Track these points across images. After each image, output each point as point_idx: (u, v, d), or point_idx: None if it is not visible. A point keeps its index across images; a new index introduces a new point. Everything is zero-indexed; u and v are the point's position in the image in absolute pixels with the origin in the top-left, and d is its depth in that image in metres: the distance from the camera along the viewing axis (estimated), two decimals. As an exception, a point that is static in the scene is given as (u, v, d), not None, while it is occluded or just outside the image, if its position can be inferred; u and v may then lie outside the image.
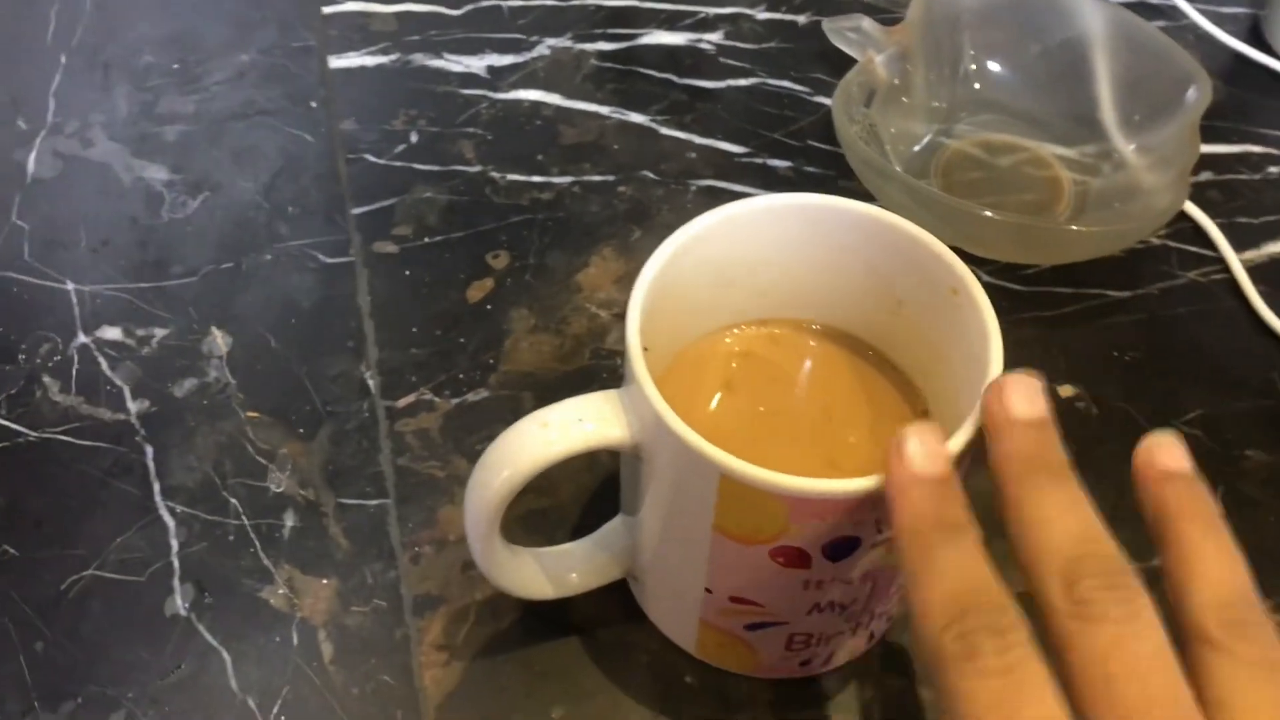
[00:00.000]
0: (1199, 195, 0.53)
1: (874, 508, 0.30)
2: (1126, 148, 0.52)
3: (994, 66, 0.54)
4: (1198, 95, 0.48)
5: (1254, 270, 0.50)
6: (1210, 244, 0.51)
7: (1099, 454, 0.45)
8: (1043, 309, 0.49)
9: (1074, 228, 0.46)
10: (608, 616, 0.40)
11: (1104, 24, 0.52)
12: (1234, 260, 0.50)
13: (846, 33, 0.51)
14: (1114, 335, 0.48)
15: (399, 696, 0.38)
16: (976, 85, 0.54)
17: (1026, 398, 0.29)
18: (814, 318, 0.40)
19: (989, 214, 0.45)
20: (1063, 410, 0.46)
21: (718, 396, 0.38)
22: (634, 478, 0.35)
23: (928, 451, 0.29)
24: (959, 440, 0.30)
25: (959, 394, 0.35)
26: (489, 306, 0.48)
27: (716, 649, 0.38)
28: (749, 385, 0.38)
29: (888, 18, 0.54)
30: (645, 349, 0.34)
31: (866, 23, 0.51)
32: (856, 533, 0.31)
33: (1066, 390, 0.46)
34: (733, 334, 0.39)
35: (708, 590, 0.35)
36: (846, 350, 0.39)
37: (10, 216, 0.50)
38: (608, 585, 0.40)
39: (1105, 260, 0.50)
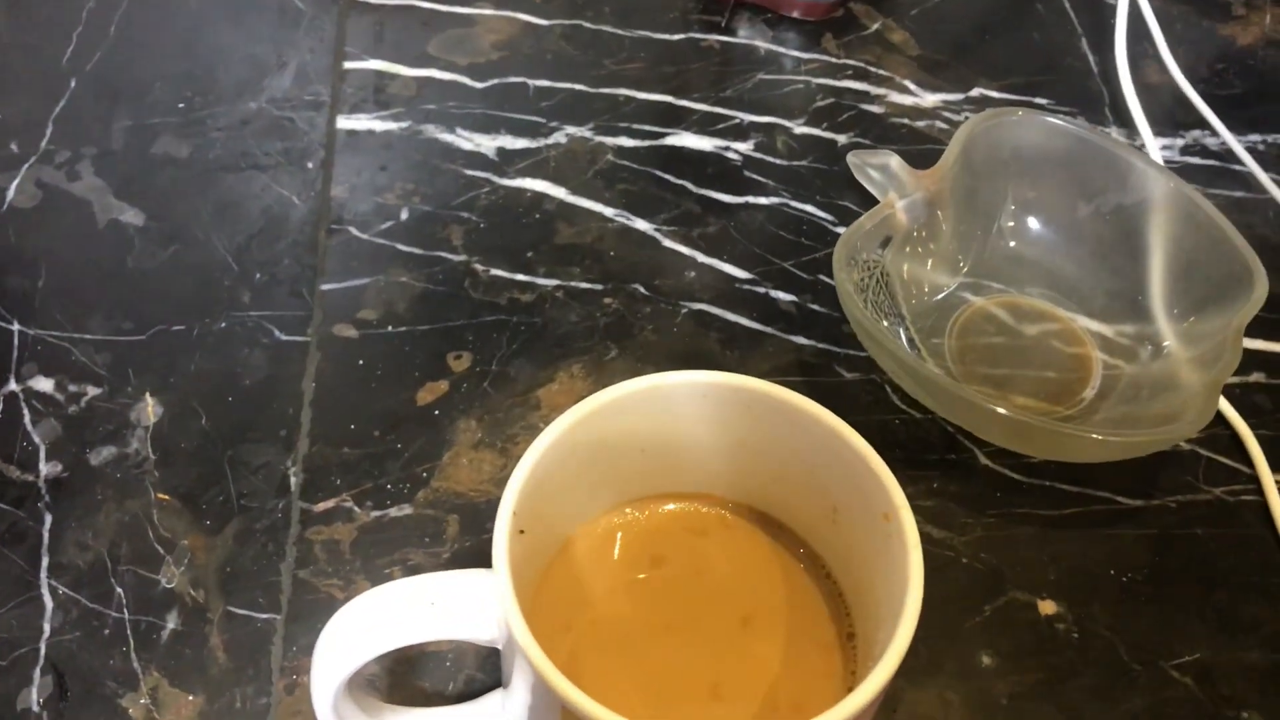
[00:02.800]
0: (1244, 400, 0.47)
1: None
2: (1170, 335, 0.47)
3: (1034, 224, 0.49)
4: (1248, 297, 0.43)
5: (1291, 496, 0.44)
6: (1247, 458, 0.45)
7: (1069, 687, 0.40)
8: (1040, 506, 0.44)
9: (1093, 435, 0.41)
10: (481, 789, 0.37)
11: (1166, 196, 0.47)
12: (1270, 482, 0.44)
13: (870, 170, 0.47)
14: (1115, 549, 0.43)
15: (235, 845, 0.35)
16: (1012, 242, 0.49)
17: None
18: (749, 503, 0.35)
19: (992, 408, 0.40)
20: (1039, 629, 0.41)
21: (621, 582, 0.34)
22: (506, 658, 0.31)
23: None
24: (869, 688, 0.26)
25: (879, 624, 0.31)
26: (436, 412, 0.44)
27: None
28: (666, 573, 0.34)
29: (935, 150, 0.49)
30: (521, 531, 0.30)
31: (894, 162, 0.47)
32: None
33: (1047, 607, 0.41)
34: (654, 511, 0.35)
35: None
36: (783, 547, 0.35)
37: (-23, 244, 0.48)
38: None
39: (1122, 461, 0.45)
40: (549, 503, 0.32)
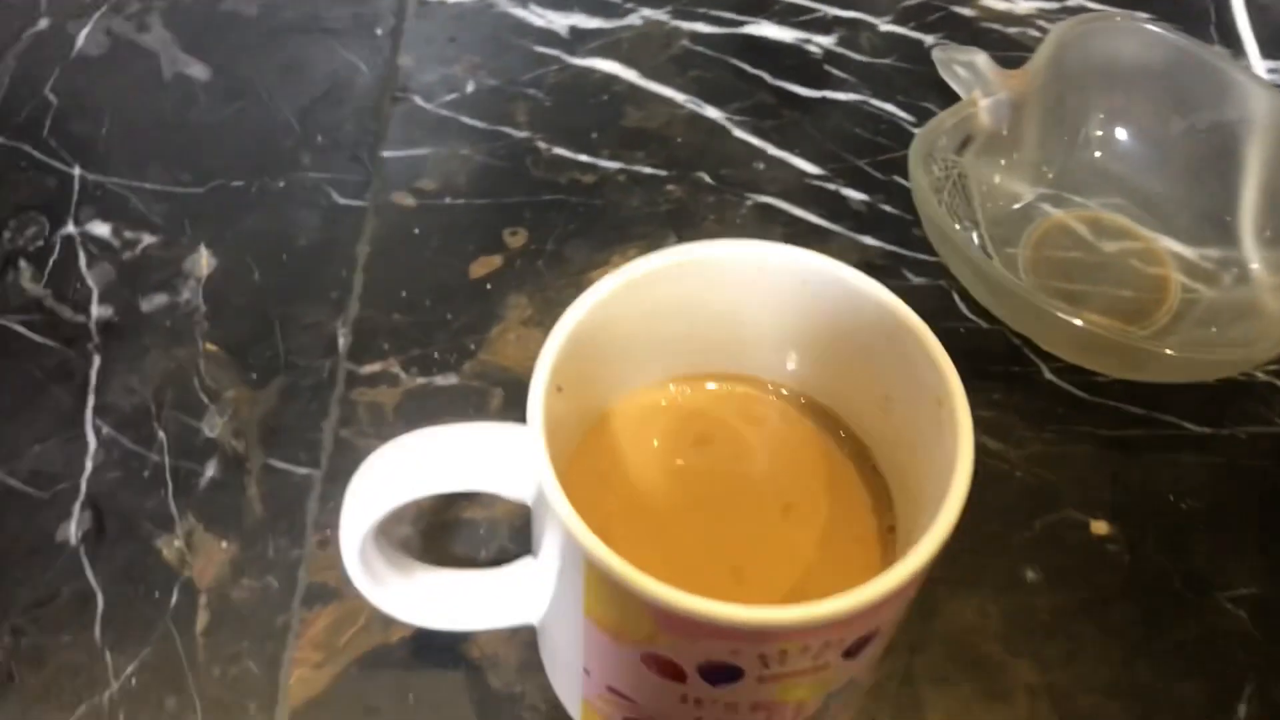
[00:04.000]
0: (1332, 333, 0.45)
1: (756, 641, 0.26)
2: (1256, 260, 0.44)
3: (1123, 136, 0.47)
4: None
5: (1371, 437, 0.42)
6: (1327, 394, 0.43)
7: (1115, 609, 0.38)
8: (1102, 425, 0.42)
9: (1165, 351, 0.39)
10: (506, 660, 0.36)
11: (1268, 113, 0.45)
12: (1349, 420, 0.42)
13: (956, 66, 0.45)
14: (1176, 475, 0.41)
15: (259, 689, 0.35)
16: (1097, 153, 0.47)
17: None
18: (800, 389, 0.34)
19: (1064, 317, 0.38)
20: (1089, 549, 0.39)
21: (660, 457, 0.33)
22: (536, 519, 0.31)
23: None
24: (906, 566, 0.25)
25: (923, 519, 0.30)
26: (489, 286, 0.44)
27: (601, 728, 0.34)
28: (708, 452, 0.33)
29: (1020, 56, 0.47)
30: (559, 388, 0.29)
31: (982, 59, 0.45)
32: (736, 662, 0.27)
33: (1100, 527, 0.40)
34: (701, 390, 0.34)
35: (586, 671, 0.31)
36: (830, 437, 0.34)
37: (44, 89, 0.48)
38: (519, 630, 0.36)
39: (1192, 385, 0.43)
40: (591, 365, 0.31)
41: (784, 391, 0.34)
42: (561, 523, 0.26)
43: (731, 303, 0.32)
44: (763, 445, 0.34)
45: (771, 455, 0.33)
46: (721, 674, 0.27)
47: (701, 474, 0.33)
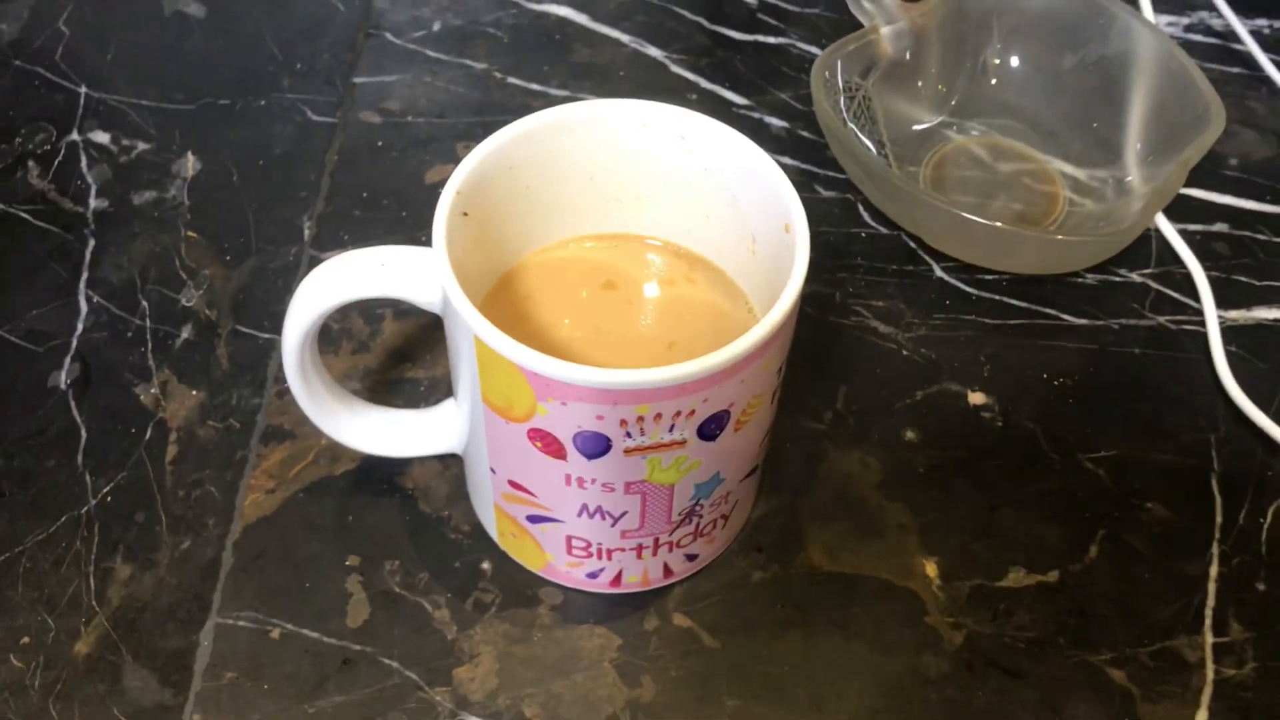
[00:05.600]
0: (1204, 245, 0.49)
1: (615, 401, 0.30)
2: (1134, 175, 0.49)
3: (1018, 66, 0.52)
4: (1205, 130, 0.45)
5: (1231, 330, 0.47)
6: (1195, 294, 0.48)
7: (986, 465, 0.43)
8: (986, 316, 0.47)
9: (998, 225, 0.44)
10: (437, 491, 0.41)
11: (1150, 50, 0.49)
12: (1212, 314, 0.47)
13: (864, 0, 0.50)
14: (1052, 357, 0.46)
15: (217, 508, 0.40)
16: (994, 81, 0.52)
17: None
18: (688, 246, 0.39)
19: (942, 207, 0.43)
20: (965, 415, 0.44)
21: (566, 299, 0.38)
22: (448, 333, 0.35)
23: None
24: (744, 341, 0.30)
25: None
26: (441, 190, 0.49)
27: (512, 540, 0.38)
28: (604, 299, 0.38)
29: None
30: (465, 213, 0.34)
31: (886, -6, 0.50)
32: (603, 430, 0.31)
33: (977, 398, 0.44)
34: (602, 246, 0.39)
35: (493, 470, 0.36)
36: (710, 284, 0.39)
37: (58, 22, 0.54)
38: (450, 466, 0.41)
39: (1076, 286, 0.47)
40: (497, 208, 0.36)
41: (673, 245, 0.39)
42: (454, 308, 0.31)
43: (620, 159, 0.37)
44: (653, 291, 0.39)
45: (661, 300, 0.38)
46: (593, 443, 0.32)
47: (595, 318, 0.38)
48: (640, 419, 0.31)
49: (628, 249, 0.39)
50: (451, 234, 0.33)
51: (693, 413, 0.31)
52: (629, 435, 0.31)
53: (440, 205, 0.33)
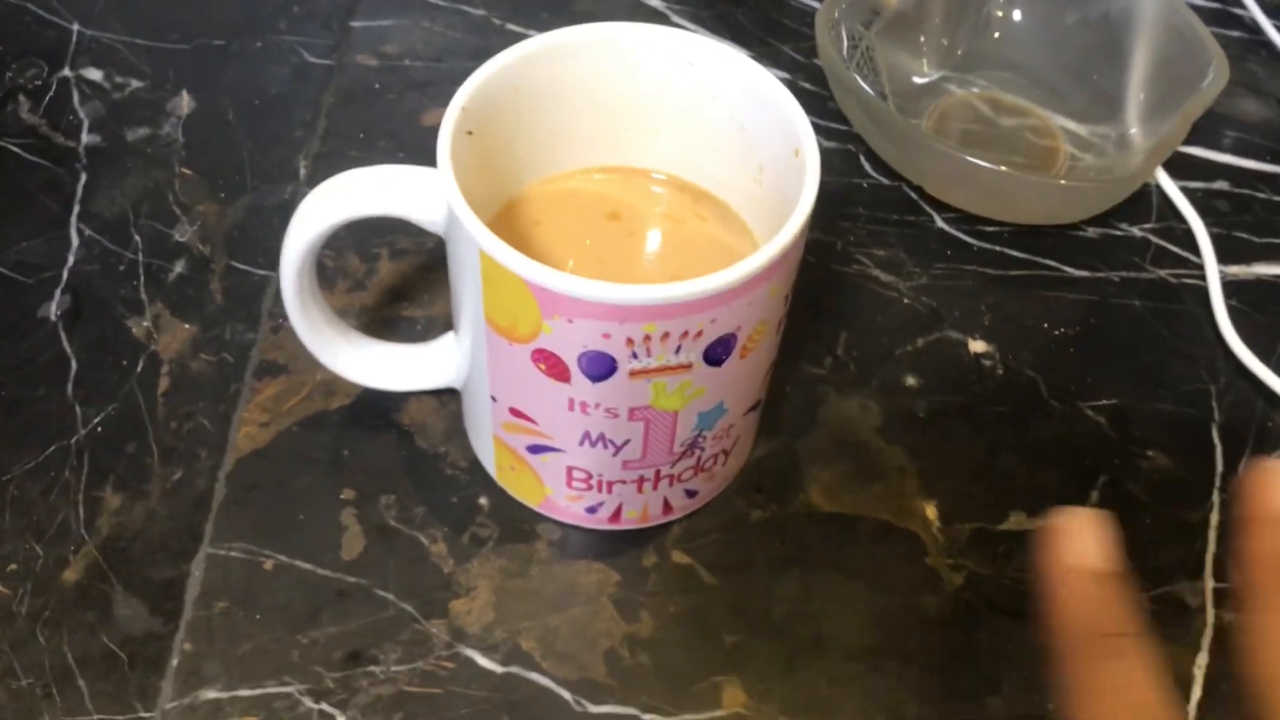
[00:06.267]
0: (1205, 202, 0.49)
1: (621, 319, 0.30)
2: (1135, 129, 0.49)
3: (1021, 21, 0.52)
4: (1208, 83, 0.45)
5: (1231, 285, 0.46)
6: (1196, 249, 0.48)
7: (985, 411, 0.43)
8: (987, 266, 0.46)
9: (1002, 169, 0.43)
10: (434, 427, 0.41)
11: (1152, 4, 0.49)
12: (1213, 268, 0.46)
13: (867, -50, 0.50)
14: (1052, 309, 0.45)
15: (210, 441, 0.40)
16: (996, 35, 0.51)
17: None
18: (694, 180, 0.39)
19: (944, 149, 0.43)
20: (966, 362, 0.44)
21: (571, 229, 0.38)
22: (450, 253, 0.35)
23: (1090, 543, 0.25)
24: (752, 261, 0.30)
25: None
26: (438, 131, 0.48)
27: (511, 474, 0.38)
28: (614, 226, 0.38)
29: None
30: (469, 132, 0.34)
31: (890, -56, 0.50)
32: (608, 350, 0.31)
33: (978, 346, 0.44)
34: (609, 179, 0.39)
35: (493, 399, 0.35)
36: (716, 218, 0.38)
37: (51, -40, 0.53)
38: (448, 402, 0.41)
39: (1076, 239, 0.47)
40: (501, 130, 0.35)
41: (679, 179, 0.39)
42: (460, 223, 0.31)
43: (627, 86, 0.37)
44: (657, 224, 0.38)
45: (665, 234, 0.38)
46: (599, 364, 0.31)
47: (600, 249, 0.37)
48: (647, 338, 0.30)
49: (634, 182, 0.39)
50: (457, 151, 0.32)
51: (700, 334, 0.31)
52: (635, 356, 0.31)
53: (445, 121, 0.33)
